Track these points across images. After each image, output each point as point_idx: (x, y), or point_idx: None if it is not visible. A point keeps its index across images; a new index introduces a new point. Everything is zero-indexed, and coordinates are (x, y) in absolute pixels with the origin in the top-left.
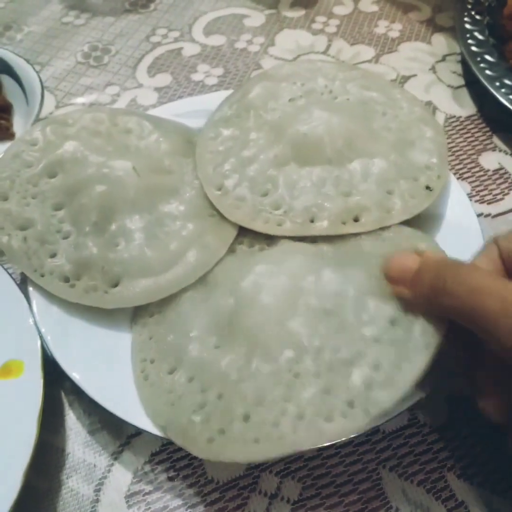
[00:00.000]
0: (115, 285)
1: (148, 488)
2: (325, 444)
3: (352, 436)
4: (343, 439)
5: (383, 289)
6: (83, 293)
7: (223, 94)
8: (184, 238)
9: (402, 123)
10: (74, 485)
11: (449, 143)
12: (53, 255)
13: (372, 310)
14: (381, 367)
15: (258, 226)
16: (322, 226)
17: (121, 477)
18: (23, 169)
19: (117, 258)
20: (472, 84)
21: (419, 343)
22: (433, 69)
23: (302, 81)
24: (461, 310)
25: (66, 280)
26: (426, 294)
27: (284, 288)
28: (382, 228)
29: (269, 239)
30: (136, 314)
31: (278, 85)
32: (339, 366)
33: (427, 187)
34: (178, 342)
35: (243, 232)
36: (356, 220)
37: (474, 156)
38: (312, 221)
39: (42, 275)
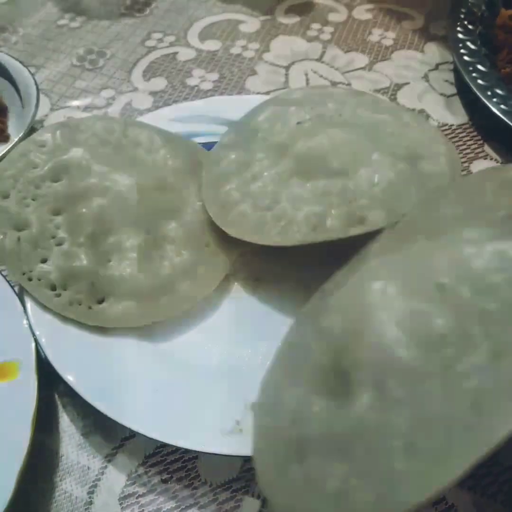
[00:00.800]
0: (100, 302)
1: (142, 490)
2: None
3: None
4: None
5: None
6: (67, 304)
7: (218, 99)
8: (176, 266)
9: (413, 141)
10: (68, 487)
11: None
12: (44, 260)
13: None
14: None
15: (258, 238)
16: (326, 233)
17: (114, 479)
18: (28, 169)
19: (107, 275)
20: (464, 93)
21: None
22: (425, 77)
23: (311, 105)
24: None
25: (53, 288)
26: None
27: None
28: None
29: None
30: None
31: (286, 109)
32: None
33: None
34: (295, 427)
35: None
36: (361, 222)
37: (466, 164)
38: (315, 229)
39: (30, 279)
